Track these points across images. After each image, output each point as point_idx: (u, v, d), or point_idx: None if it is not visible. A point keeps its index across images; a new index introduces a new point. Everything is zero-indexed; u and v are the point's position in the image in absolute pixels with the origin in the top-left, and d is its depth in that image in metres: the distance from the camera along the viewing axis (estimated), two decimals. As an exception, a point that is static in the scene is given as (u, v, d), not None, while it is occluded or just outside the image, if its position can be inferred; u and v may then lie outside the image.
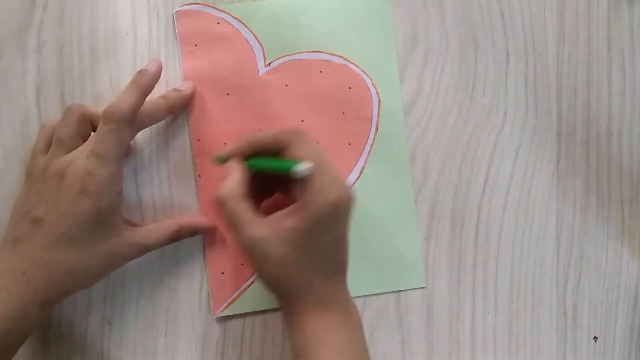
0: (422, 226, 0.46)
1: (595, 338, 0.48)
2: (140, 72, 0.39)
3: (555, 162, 0.48)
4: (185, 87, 0.42)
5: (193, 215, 0.44)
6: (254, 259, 0.36)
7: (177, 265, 0.44)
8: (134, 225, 0.40)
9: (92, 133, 0.40)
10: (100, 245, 0.38)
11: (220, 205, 0.37)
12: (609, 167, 0.48)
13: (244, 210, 0.36)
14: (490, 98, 0.47)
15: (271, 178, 0.40)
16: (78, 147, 0.38)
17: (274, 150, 0.38)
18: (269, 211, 0.38)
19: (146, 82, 0.39)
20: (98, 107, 0.41)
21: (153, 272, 0.44)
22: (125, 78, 0.43)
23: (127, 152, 0.42)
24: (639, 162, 0.48)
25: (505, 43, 0.47)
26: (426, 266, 0.46)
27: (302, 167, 0.35)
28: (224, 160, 0.39)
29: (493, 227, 0.47)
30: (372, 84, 0.45)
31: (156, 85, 0.41)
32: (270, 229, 0.36)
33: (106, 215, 0.37)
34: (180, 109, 0.43)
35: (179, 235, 0.41)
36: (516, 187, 0.47)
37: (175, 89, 0.42)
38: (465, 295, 0.47)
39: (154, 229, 0.41)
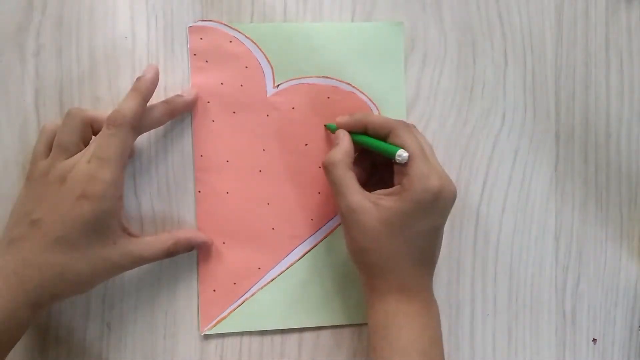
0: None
1: (594, 340, 0.48)
2: (138, 78, 0.40)
3: (553, 164, 0.48)
4: (188, 93, 0.43)
5: (190, 229, 0.44)
6: (349, 225, 0.39)
7: (176, 267, 0.44)
8: (132, 235, 0.40)
9: (93, 137, 0.40)
10: (95, 251, 0.38)
11: (329, 169, 0.40)
12: (608, 169, 0.48)
13: (350, 178, 0.39)
14: (488, 100, 0.47)
15: (375, 162, 0.43)
16: (79, 151, 0.39)
17: (380, 134, 0.40)
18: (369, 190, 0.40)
19: (145, 87, 0.39)
20: (98, 111, 0.41)
21: (152, 274, 0.44)
22: (124, 81, 0.43)
23: (129, 154, 0.42)
24: (637, 164, 0.49)
25: (504, 45, 0.47)
26: (425, 268, 0.46)
27: (402, 154, 0.38)
28: (334, 129, 0.43)
29: (492, 229, 0.47)
30: (378, 113, 0.45)
31: (156, 88, 0.41)
32: (369, 202, 0.39)
33: (105, 220, 0.37)
34: (183, 113, 0.43)
35: (175, 249, 0.41)
36: (515, 189, 0.47)
37: (178, 95, 0.42)
38: (464, 297, 0.47)
39: (151, 241, 0.41)
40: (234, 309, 0.44)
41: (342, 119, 0.43)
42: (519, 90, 0.47)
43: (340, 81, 0.45)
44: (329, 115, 0.44)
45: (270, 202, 0.44)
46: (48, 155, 0.39)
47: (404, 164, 0.38)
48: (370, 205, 0.38)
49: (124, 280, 0.43)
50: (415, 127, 0.42)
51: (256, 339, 0.45)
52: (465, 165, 0.47)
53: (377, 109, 0.45)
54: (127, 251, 0.39)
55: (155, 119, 0.41)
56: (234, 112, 0.44)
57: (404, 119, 0.46)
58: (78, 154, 0.38)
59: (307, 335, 0.45)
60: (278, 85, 0.44)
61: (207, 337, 0.44)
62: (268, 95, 0.44)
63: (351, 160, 0.40)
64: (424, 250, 0.40)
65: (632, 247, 0.49)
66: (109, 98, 0.43)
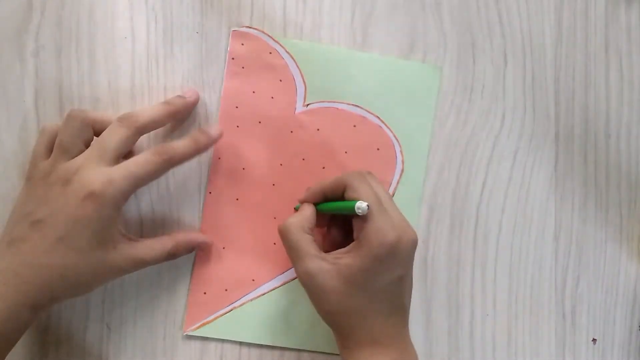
0: (420, 229, 0.46)
1: (594, 340, 0.48)
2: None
3: (553, 165, 0.48)
4: (189, 95, 0.42)
5: (190, 231, 0.43)
6: (311, 290, 0.38)
7: (176, 269, 0.44)
8: (131, 240, 0.40)
9: (95, 138, 0.40)
10: (96, 254, 0.38)
11: (284, 233, 0.39)
12: (607, 169, 0.48)
13: (305, 242, 0.38)
14: (488, 101, 0.47)
15: (333, 217, 0.42)
16: (81, 152, 0.38)
17: (338, 194, 0.40)
18: (327, 247, 0.41)
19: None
20: (98, 112, 0.41)
21: (152, 275, 0.44)
22: (124, 81, 0.43)
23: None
24: (637, 164, 0.49)
25: (503, 46, 0.47)
26: (424, 269, 0.46)
27: (361, 205, 0.36)
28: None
29: (491, 230, 0.47)
30: (401, 151, 0.45)
31: (155, 89, 0.42)
32: (327, 263, 0.38)
33: (106, 224, 0.37)
34: (183, 116, 0.43)
35: (175, 251, 0.41)
36: (514, 189, 0.47)
37: (179, 96, 0.42)
38: (464, 297, 0.47)
39: (151, 244, 0.41)
40: (220, 316, 0.44)
41: (301, 198, 0.42)
42: (519, 90, 0.47)
43: (369, 112, 0.45)
44: (351, 144, 0.45)
45: (277, 216, 0.44)
46: (48, 156, 0.39)
47: (361, 218, 0.37)
48: (329, 267, 0.37)
49: (124, 282, 0.43)
50: (370, 173, 0.40)
51: (256, 344, 0.45)
52: (465, 165, 0.47)
53: (400, 146, 0.45)
54: (127, 254, 0.39)
55: (159, 122, 0.41)
56: (259, 122, 0.44)
57: (424, 162, 0.46)
58: (80, 156, 0.38)
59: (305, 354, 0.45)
60: (308, 105, 0.44)
61: (206, 338, 0.44)
62: (296, 112, 0.44)
63: (309, 225, 0.39)
64: (391, 301, 0.38)
65: (632, 247, 0.49)
66: (109, 98, 0.43)
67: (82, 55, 0.43)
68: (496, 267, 0.47)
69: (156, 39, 0.43)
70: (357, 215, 0.37)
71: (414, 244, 0.38)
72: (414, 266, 0.45)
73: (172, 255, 0.41)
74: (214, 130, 0.42)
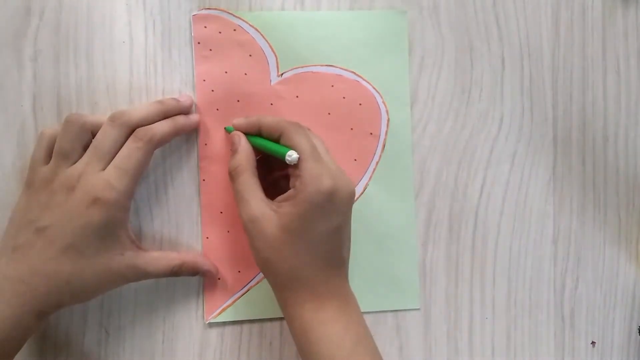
0: (419, 232, 0.46)
1: (593, 343, 0.48)
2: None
3: (551, 167, 0.48)
4: (184, 99, 0.43)
5: (197, 254, 0.43)
6: (252, 235, 0.38)
7: (175, 272, 0.44)
8: (140, 248, 0.40)
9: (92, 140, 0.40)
10: (102, 261, 0.38)
11: (234, 175, 0.40)
12: (605, 172, 0.48)
13: (254, 184, 0.39)
14: (486, 104, 0.47)
15: (272, 168, 0.43)
16: (80, 157, 0.39)
17: (273, 136, 0.40)
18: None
19: (182, 124, 0.41)
20: (97, 116, 0.41)
21: (150, 279, 0.43)
22: (122, 85, 0.43)
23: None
24: (635, 167, 0.49)
25: (501, 49, 0.47)
26: (423, 272, 0.46)
27: (291, 155, 0.37)
28: (232, 131, 0.42)
29: (490, 233, 0.47)
30: (383, 102, 0.45)
31: (153, 93, 0.42)
32: (269, 210, 0.38)
33: (113, 228, 0.38)
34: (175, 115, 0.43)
35: (179, 271, 0.41)
36: (513, 192, 0.47)
37: (172, 98, 0.42)
38: (463, 300, 0.47)
39: (157, 257, 0.41)
40: (238, 298, 0.44)
41: (237, 121, 0.42)
42: (517, 93, 0.47)
43: (344, 69, 0.45)
44: (332, 104, 0.45)
45: None
46: (47, 161, 0.39)
47: (296, 166, 0.38)
48: (271, 213, 0.38)
49: (122, 287, 0.43)
50: (309, 129, 0.41)
51: (255, 340, 0.45)
52: (463, 168, 0.47)
53: (381, 97, 0.45)
54: (133, 264, 0.39)
55: (150, 120, 0.40)
56: (238, 101, 0.44)
57: (408, 108, 0.46)
58: (80, 161, 0.38)
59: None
60: (282, 74, 0.44)
61: (205, 342, 0.44)
62: (272, 84, 0.44)
63: (254, 165, 0.40)
64: (329, 253, 0.38)
65: (630, 249, 0.49)
66: (107, 103, 0.43)
67: (80, 59, 0.43)
68: (495, 270, 0.47)
69: (154, 43, 0.43)
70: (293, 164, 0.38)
71: (351, 194, 0.39)
72: (415, 270, 0.45)
73: (175, 273, 0.41)
74: (193, 115, 0.43)
